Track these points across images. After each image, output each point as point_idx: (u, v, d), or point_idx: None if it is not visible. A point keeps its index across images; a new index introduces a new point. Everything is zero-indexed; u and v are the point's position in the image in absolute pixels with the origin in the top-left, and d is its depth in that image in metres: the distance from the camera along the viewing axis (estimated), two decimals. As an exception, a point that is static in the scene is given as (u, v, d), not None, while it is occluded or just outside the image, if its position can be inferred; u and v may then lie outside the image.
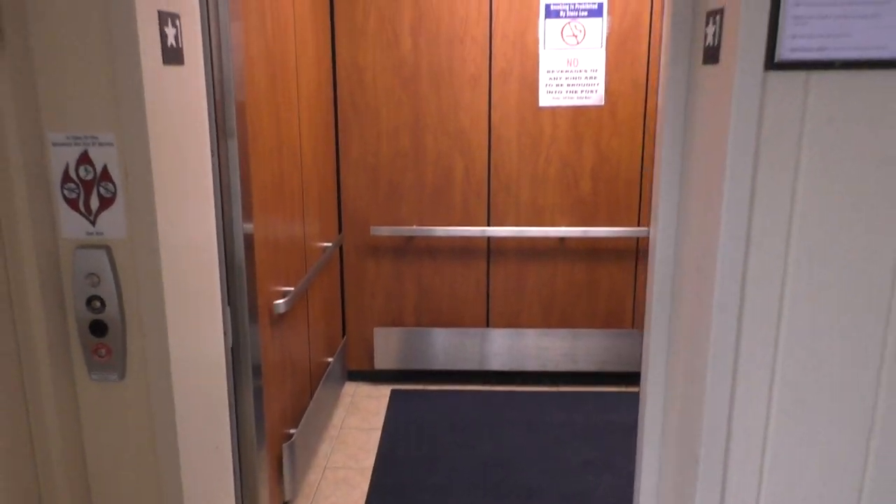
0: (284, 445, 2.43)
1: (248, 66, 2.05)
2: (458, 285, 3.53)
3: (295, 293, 2.44)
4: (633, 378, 3.63)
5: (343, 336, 3.61)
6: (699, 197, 1.53)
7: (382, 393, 3.57)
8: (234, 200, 1.92)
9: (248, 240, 1.99)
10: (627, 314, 3.53)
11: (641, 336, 3.49)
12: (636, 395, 3.53)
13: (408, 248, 3.49)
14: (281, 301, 2.31)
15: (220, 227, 1.86)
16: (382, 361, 3.59)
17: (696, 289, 1.54)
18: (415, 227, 3.44)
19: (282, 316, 2.42)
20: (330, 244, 3.18)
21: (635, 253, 3.45)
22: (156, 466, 1.55)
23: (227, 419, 1.91)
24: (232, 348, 1.96)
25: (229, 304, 1.94)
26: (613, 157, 3.34)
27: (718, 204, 1.39)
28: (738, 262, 1.38)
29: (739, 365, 1.44)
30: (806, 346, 1.41)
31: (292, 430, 2.57)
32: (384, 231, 3.43)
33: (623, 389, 3.59)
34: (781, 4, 1.29)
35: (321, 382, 3.05)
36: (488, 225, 3.44)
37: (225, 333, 1.90)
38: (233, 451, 2.00)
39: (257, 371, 2.07)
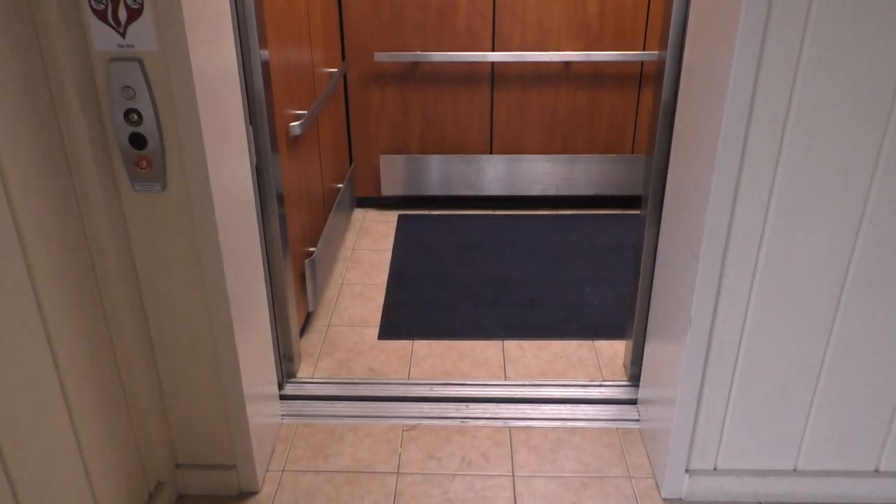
0: (306, 261, 2.59)
1: None
2: (461, 112, 3.57)
3: (308, 116, 2.49)
4: (630, 202, 3.77)
5: (350, 164, 3.70)
6: (712, 18, 1.56)
7: (390, 219, 3.71)
8: (249, 25, 1.91)
9: (265, 66, 2.01)
10: (627, 140, 3.61)
11: (640, 161, 3.60)
12: (633, 217, 3.70)
13: (412, 75, 3.49)
14: (296, 123, 2.37)
15: (238, 52, 1.88)
16: (389, 188, 3.71)
17: (704, 103, 1.61)
18: (419, 52, 3.41)
19: (297, 139, 2.49)
20: (335, 70, 3.18)
21: (639, 78, 3.47)
22: (201, 270, 1.69)
23: (258, 231, 2.04)
24: (256, 167, 2.04)
25: (251, 122, 2.00)
26: (622, -24, 3.26)
27: (736, 13, 1.42)
28: (750, 69, 1.45)
29: (744, 169, 1.54)
30: (807, 148, 1.51)
31: (312, 249, 2.73)
32: (388, 57, 3.41)
33: (620, 212, 3.75)
34: None
35: (333, 207, 3.18)
36: (493, 50, 3.42)
37: (249, 151, 1.98)
38: (263, 263, 2.15)
39: (279, 191, 2.17)
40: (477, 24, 3.37)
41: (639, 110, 3.54)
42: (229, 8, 1.76)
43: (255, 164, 2.04)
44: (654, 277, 2.12)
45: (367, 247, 3.40)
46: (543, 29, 3.37)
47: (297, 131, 2.38)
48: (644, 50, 3.39)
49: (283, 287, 2.28)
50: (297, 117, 2.46)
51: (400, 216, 3.73)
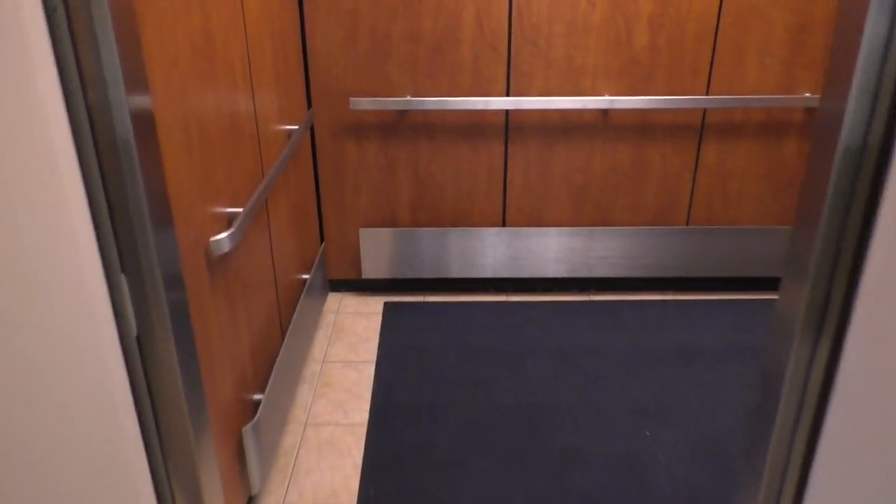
0: (246, 429, 1.74)
1: None
2: (465, 174, 2.73)
3: (245, 216, 1.65)
4: (685, 284, 2.95)
5: (321, 242, 2.85)
6: None
7: (373, 308, 2.87)
8: (105, 61, 1.04)
9: (143, 120, 1.13)
10: (682, 207, 2.79)
11: (697, 234, 2.78)
12: (689, 306, 2.88)
13: (400, 127, 2.66)
14: (223, 236, 1.52)
15: (77, 102, 1.03)
16: (371, 270, 2.87)
17: None
18: (409, 97, 2.58)
19: (226, 255, 1.64)
20: (296, 127, 2.34)
21: (700, 130, 2.65)
22: None
23: (135, 454, 1.20)
24: (138, 338, 1.20)
25: (123, 269, 1.15)
26: (686, -2, 2.45)
27: None
28: None
29: None
30: None
31: (258, 396, 1.89)
32: (368, 104, 2.57)
33: (672, 297, 2.92)
34: None
35: (297, 306, 2.33)
36: (508, 94, 2.59)
37: (119, 316, 1.14)
38: (156, 477, 1.31)
39: (187, 351, 1.33)
40: (486, 59, 2.54)
41: (697, 171, 2.72)
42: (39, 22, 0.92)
43: (135, 334, 1.19)
44: (819, 441, 1.29)
45: (343, 357, 2.56)
46: (575, 67, 2.55)
47: (226, 247, 1.53)
48: (707, 94, 2.58)
49: (198, 483, 1.43)
50: (228, 219, 1.62)
51: (386, 305, 2.89)
